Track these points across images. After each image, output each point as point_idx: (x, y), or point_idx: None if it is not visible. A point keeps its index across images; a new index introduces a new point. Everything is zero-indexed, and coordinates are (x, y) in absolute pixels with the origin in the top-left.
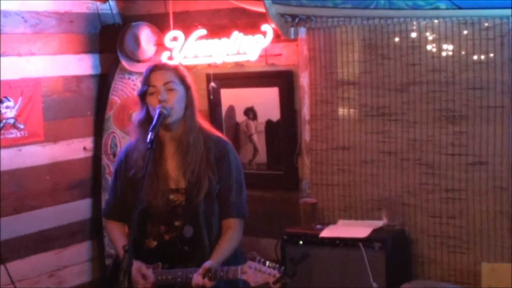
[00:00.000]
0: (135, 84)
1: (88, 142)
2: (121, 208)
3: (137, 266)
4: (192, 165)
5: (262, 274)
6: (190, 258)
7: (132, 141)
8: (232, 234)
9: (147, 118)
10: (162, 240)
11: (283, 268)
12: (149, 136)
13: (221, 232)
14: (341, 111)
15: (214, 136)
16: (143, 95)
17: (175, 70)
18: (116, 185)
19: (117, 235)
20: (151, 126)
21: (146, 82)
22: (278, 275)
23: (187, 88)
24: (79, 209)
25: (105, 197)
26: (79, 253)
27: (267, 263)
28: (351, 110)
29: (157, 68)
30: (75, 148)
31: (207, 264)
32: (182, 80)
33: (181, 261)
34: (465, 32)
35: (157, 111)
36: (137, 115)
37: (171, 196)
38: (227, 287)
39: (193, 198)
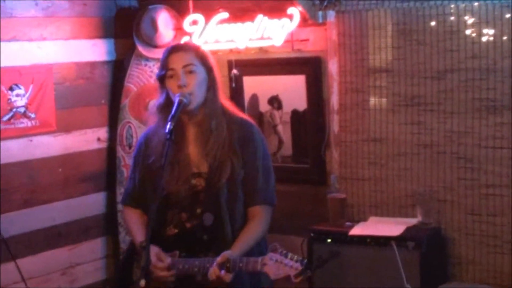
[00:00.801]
0: (152, 71)
1: (103, 133)
2: (139, 194)
3: (156, 251)
4: (214, 150)
5: (283, 267)
6: (209, 247)
7: (152, 126)
8: (257, 222)
9: (167, 102)
10: (183, 228)
11: (305, 261)
12: (168, 126)
13: (246, 220)
14: (372, 100)
15: (238, 118)
16: (162, 79)
17: (195, 50)
18: (135, 171)
19: (134, 224)
20: (170, 116)
21: (165, 65)
22: (300, 268)
23: (208, 69)
24: (92, 203)
25: (120, 190)
26: (92, 249)
27: (289, 255)
28: (383, 100)
29: (176, 49)
30: (89, 139)
31: (225, 253)
32: (204, 61)
33: (200, 251)
34: (508, 15)
35: (176, 100)
36: (156, 99)
37: (193, 181)
38: (251, 282)
39: (214, 183)
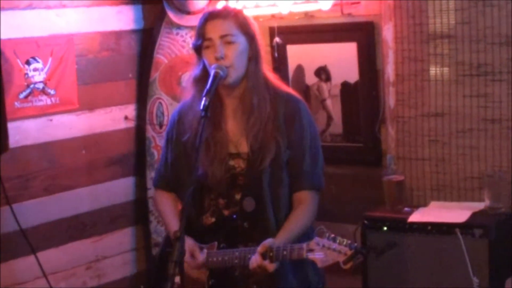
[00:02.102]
0: (184, 40)
1: (130, 110)
2: (173, 176)
3: (190, 246)
4: (256, 128)
5: (331, 252)
6: (250, 236)
7: (187, 100)
8: (304, 209)
9: (204, 74)
10: (221, 216)
11: (355, 244)
12: (202, 102)
13: (291, 207)
14: (433, 70)
15: (284, 93)
16: (198, 49)
17: (235, 17)
18: (168, 150)
19: (169, 210)
20: (205, 90)
21: (201, 34)
22: (349, 252)
23: (250, 38)
24: (120, 190)
25: (150, 175)
26: (121, 241)
27: (338, 239)
28: (445, 69)
29: (213, 16)
30: (115, 117)
31: (267, 242)
32: (245, 29)
33: (241, 240)
34: None
35: (212, 73)
36: (192, 71)
37: (231, 162)
38: (297, 280)
39: (256, 165)
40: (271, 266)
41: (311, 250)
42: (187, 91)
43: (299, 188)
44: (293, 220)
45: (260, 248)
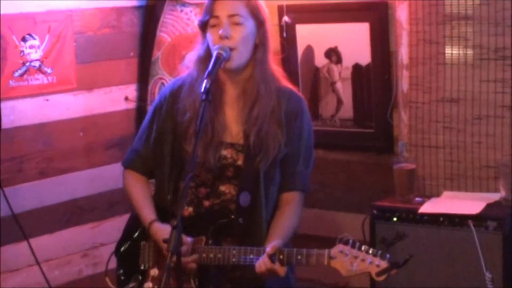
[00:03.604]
0: (189, 18)
1: (131, 91)
2: (151, 157)
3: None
4: (259, 121)
5: (360, 263)
6: (243, 233)
7: (185, 78)
8: (295, 210)
9: (208, 54)
10: (200, 206)
11: (388, 255)
12: (203, 84)
13: (276, 206)
14: (449, 53)
15: (287, 89)
16: (203, 26)
17: (246, 0)
18: (152, 126)
19: (140, 194)
20: (207, 72)
21: (209, 10)
22: (385, 265)
23: (260, 23)
24: (119, 174)
25: None
26: (119, 228)
27: (364, 247)
28: (462, 52)
29: None
30: (115, 98)
31: (276, 243)
32: (255, 13)
33: (230, 236)
34: None
35: (215, 54)
36: (196, 49)
37: (223, 152)
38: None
39: (256, 160)
40: (282, 270)
41: (333, 258)
42: (186, 70)
43: (291, 188)
44: (287, 221)
45: (269, 249)
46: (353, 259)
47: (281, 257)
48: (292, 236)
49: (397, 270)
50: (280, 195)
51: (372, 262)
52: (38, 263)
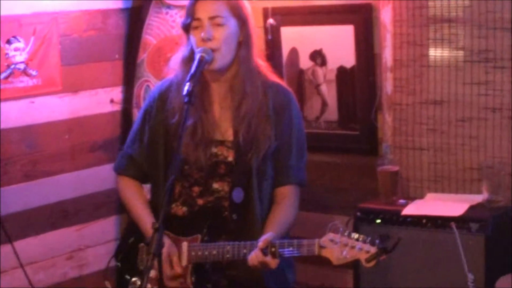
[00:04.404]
0: (174, 20)
1: (116, 93)
2: (145, 161)
3: (168, 252)
4: (247, 117)
5: (350, 250)
6: (238, 229)
7: (172, 80)
8: (290, 203)
9: (192, 55)
10: (194, 205)
11: (378, 241)
12: (186, 87)
13: (272, 201)
14: (433, 55)
15: (274, 83)
16: (187, 28)
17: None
18: (143, 130)
19: (138, 199)
20: (189, 75)
21: (190, 12)
22: (374, 250)
23: (242, 22)
24: (105, 176)
25: None
26: (104, 230)
27: (353, 235)
28: (446, 54)
29: None
30: (100, 100)
31: (268, 236)
32: (236, 12)
33: (226, 233)
34: None
35: (197, 57)
36: (181, 50)
37: (214, 149)
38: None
39: (247, 156)
40: (273, 262)
41: (323, 247)
42: (173, 72)
43: (285, 182)
44: (282, 215)
45: (261, 243)
46: (342, 247)
47: (272, 249)
48: (288, 230)
49: (386, 256)
50: (275, 190)
51: (361, 249)
52: (21, 265)
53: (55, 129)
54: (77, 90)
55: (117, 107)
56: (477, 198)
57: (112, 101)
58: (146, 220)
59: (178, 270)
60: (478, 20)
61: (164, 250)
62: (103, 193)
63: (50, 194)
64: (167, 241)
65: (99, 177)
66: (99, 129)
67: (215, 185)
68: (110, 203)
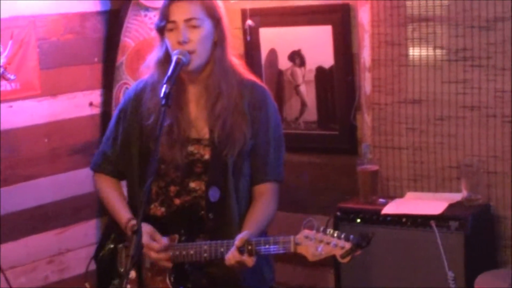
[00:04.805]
0: (152, 22)
1: (96, 96)
2: (119, 160)
3: (148, 230)
4: (223, 116)
5: (325, 246)
6: (215, 228)
7: (148, 81)
8: (268, 201)
9: (167, 57)
10: (172, 205)
11: (352, 236)
12: (163, 90)
13: (251, 199)
14: (411, 55)
15: (249, 81)
16: (161, 30)
17: (201, 0)
18: (118, 129)
19: (117, 199)
20: (166, 77)
21: (165, 15)
22: (348, 246)
23: (216, 22)
24: (85, 180)
25: None
26: (85, 233)
27: (329, 231)
28: (423, 54)
29: None
30: (79, 104)
31: (244, 234)
32: (211, 13)
33: (204, 232)
34: None
35: (174, 59)
36: (156, 52)
37: (190, 148)
38: (251, 274)
39: (224, 154)
40: (250, 261)
41: (298, 244)
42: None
43: (263, 179)
44: (260, 212)
45: (237, 242)
46: (318, 243)
47: (249, 247)
48: (266, 228)
49: (361, 251)
50: (253, 187)
51: (336, 245)
52: (1, 270)
53: (34, 133)
54: (56, 93)
55: (96, 110)
56: (456, 197)
57: (91, 104)
58: (121, 214)
59: (162, 241)
60: (456, 19)
61: (145, 232)
62: (83, 196)
63: (30, 198)
64: (148, 226)
65: (79, 180)
66: (78, 132)
67: (192, 184)
68: (90, 206)
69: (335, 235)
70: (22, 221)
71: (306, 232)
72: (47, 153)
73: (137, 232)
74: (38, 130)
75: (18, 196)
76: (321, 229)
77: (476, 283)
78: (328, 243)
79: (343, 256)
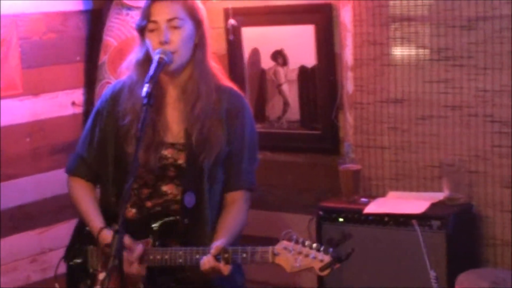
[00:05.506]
0: (134, 22)
1: (78, 95)
2: (96, 162)
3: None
4: (201, 118)
5: (304, 258)
6: (189, 234)
7: (125, 82)
8: (241, 209)
9: (147, 58)
10: (143, 207)
11: (331, 250)
12: (145, 89)
13: (222, 206)
14: (393, 54)
15: (227, 88)
16: (142, 30)
17: (183, 1)
18: (94, 131)
19: (88, 202)
20: (148, 76)
21: (146, 15)
22: (327, 259)
23: (197, 23)
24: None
25: None
26: (67, 233)
27: (307, 243)
28: (405, 53)
29: None
30: (62, 103)
31: (220, 243)
32: (192, 14)
33: (177, 237)
34: None
35: (156, 58)
36: (135, 53)
37: (164, 152)
38: (223, 279)
39: (199, 159)
40: (226, 269)
41: (276, 255)
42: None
43: (236, 187)
44: (233, 220)
45: (214, 250)
46: (296, 255)
47: (226, 255)
48: (239, 235)
49: (340, 264)
50: (226, 194)
51: (315, 257)
52: None
53: (16, 132)
54: (38, 93)
55: (78, 109)
56: (438, 196)
57: (73, 103)
58: (94, 222)
59: (137, 251)
60: (437, 18)
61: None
62: (65, 195)
63: (12, 198)
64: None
65: (61, 179)
66: (60, 131)
67: (164, 188)
68: (72, 206)
69: (314, 247)
70: (4, 220)
71: (285, 243)
72: (29, 152)
73: (119, 231)
74: (20, 129)
75: (0, 196)
76: (300, 240)
77: (457, 282)
78: (307, 255)
79: (322, 269)
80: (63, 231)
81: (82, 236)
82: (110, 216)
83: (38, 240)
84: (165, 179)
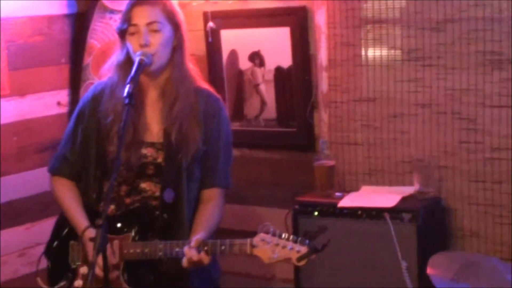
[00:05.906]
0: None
1: (63, 96)
2: (78, 161)
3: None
4: (179, 118)
5: (281, 250)
6: (167, 229)
7: (106, 83)
8: (216, 205)
9: (127, 60)
10: (122, 204)
11: (308, 241)
12: (126, 89)
13: (199, 202)
14: (366, 55)
15: (205, 90)
16: (122, 34)
17: (162, 5)
18: (76, 131)
19: (72, 201)
20: (129, 77)
21: (127, 18)
22: (305, 250)
23: (176, 27)
24: None
25: None
26: None
27: (284, 235)
28: (377, 54)
29: (140, 2)
30: (47, 103)
31: (200, 236)
32: (171, 18)
33: (156, 232)
34: None
35: (137, 60)
36: (116, 55)
37: (143, 151)
38: (199, 274)
39: (178, 157)
40: (206, 259)
41: (255, 246)
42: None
43: (212, 184)
44: (210, 215)
45: (193, 243)
46: (274, 247)
47: (205, 248)
48: (215, 231)
49: (316, 255)
50: (202, 191)
51: (292, 248)
52: None
53: (3, 131)
54: (25, 93)
55: (64, 109)
56: (409, 190)
57: (59, 103)
58: (78, 220)
59: (113, 261)
60: (408, 21)
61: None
62: (51, 192)
63: (0, 194)
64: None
65: (47, 177)
66: (46, 131)
67: (143, 185)
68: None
69: (291, 238)
70: None
71: (262, 235)
72: (16, 151)
73: (102, 226)
74: (7, 129)
75: None
76: (277, 233)
77: (430, 263)
78: (284, 247)
79: (299, 260)
80: (50, 226)
81: (63, 232)
82: (90, 212)
83: (26, 235)
84: (144, 176)
